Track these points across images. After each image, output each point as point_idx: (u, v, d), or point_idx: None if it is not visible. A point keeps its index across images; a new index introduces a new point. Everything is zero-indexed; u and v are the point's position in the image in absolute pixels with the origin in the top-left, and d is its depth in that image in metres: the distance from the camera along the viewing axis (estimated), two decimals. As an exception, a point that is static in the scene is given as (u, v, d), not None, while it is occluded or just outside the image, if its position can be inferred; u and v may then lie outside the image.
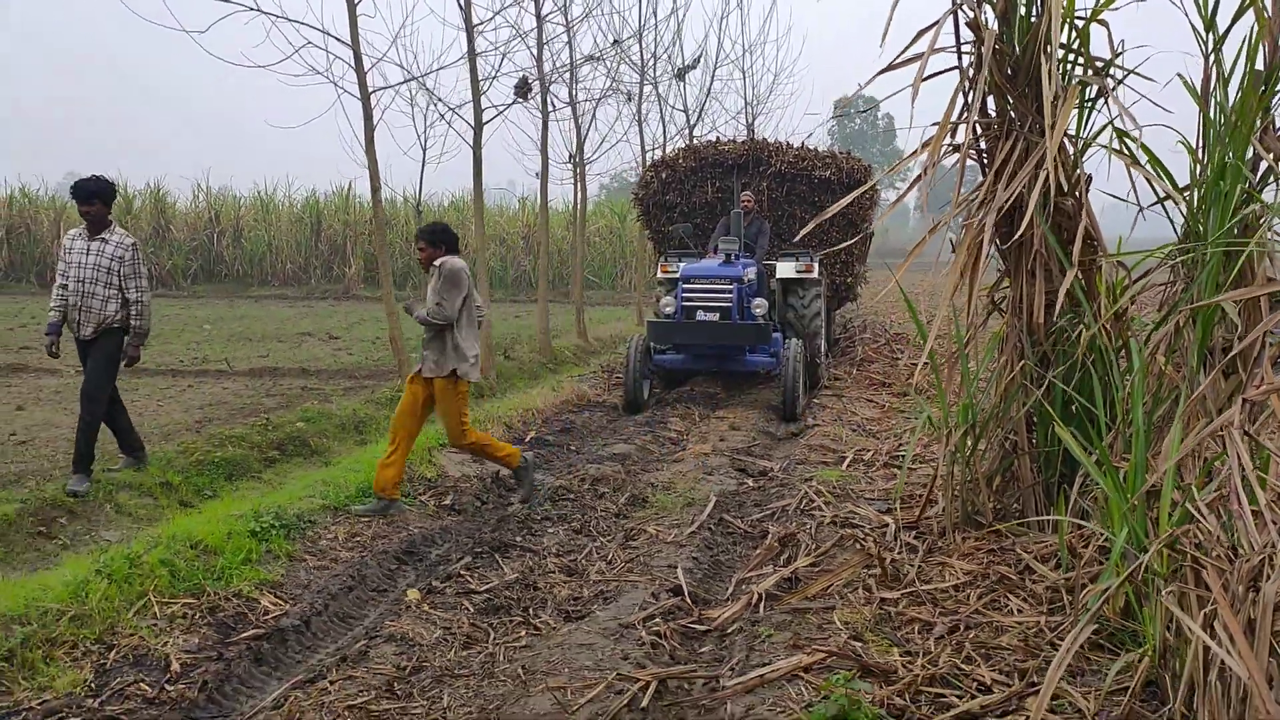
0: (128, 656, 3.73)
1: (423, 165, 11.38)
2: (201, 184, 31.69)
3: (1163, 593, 2.63)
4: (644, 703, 3.49)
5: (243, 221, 30.59)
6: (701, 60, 19.62)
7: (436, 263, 6.09)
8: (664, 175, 13.27)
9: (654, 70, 17.42)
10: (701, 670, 3.83)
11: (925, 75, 4.86)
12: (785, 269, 11.25)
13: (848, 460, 7.17)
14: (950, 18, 5.04)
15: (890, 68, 4.96)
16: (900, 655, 3.79)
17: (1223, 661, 2.06)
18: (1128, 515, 3.58)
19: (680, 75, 19.48)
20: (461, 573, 4.85)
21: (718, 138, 15.13)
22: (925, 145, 4.91)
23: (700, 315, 9.88)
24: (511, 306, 23.24)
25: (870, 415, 9.19)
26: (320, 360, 12.76)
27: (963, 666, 3.66)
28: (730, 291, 9.89)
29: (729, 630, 4.26)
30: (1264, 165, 4.64)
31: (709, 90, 19.77)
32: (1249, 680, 1.95)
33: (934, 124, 5.01)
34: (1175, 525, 2.79)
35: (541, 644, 4.04)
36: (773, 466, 7.34)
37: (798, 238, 10.57)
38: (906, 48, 4.94)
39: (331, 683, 3.60)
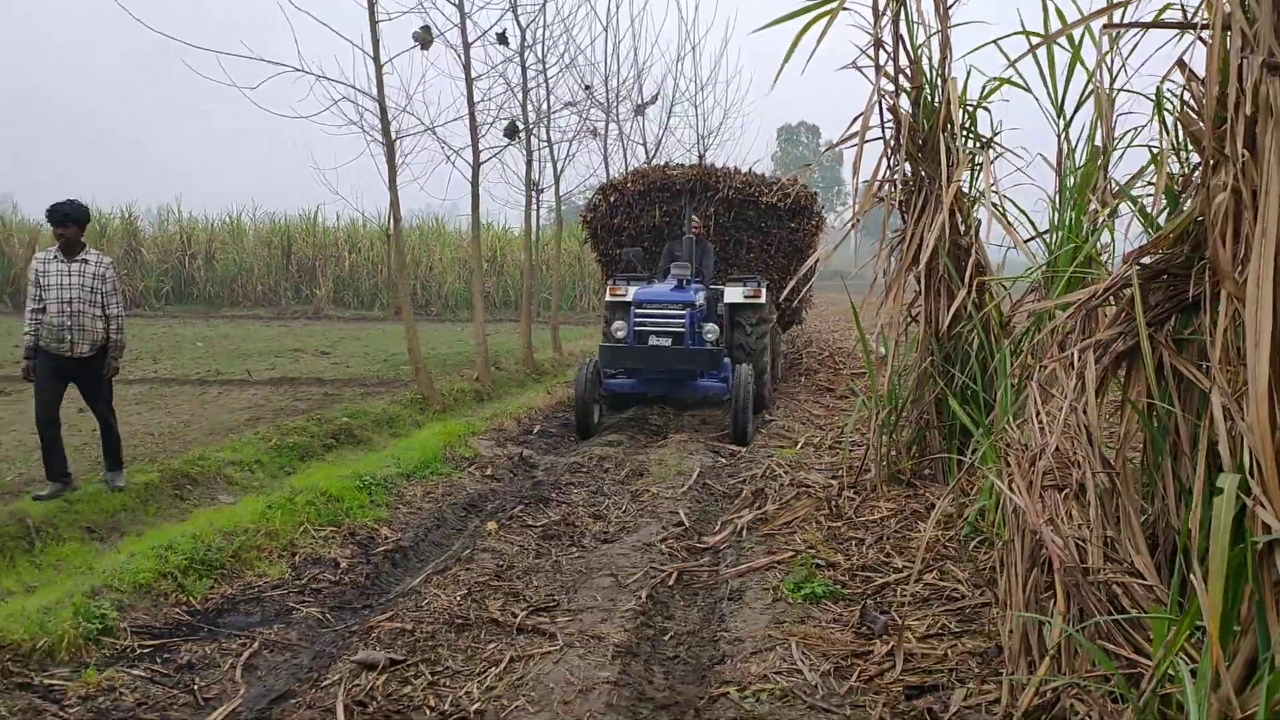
0: (308, 559, 5.32)
1: (391, 190, 11.89)
2: (172, 209, 32.92)
3: (987, 469, 4.38)
4: (670, 582, 5.17)
5: (214, 245, 31.80)
6: (659, 98, 21.43)
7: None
8: (612, 199, 13.05)
9: (618, 110, 19.17)
10: (706, 567, 5.51)
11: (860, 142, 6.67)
12: (733, 294, 11.15)
13: (800, 444, 8.89)
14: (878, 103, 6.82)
15: (835, 145, 6.77)
16: (842, 556, 5.49)
17: (1015, 504, 3.79)
18: (991, 454, 5.34)
19: (639, 110, 21.25)
20: (518, 514, 6.48)
21: (667, 161, 14.99)
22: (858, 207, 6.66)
23: (653, 340, 9.80)
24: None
25: (817, 413, 10.94)
26: (326, 371, 14.20)
27: (884, 559, 5.39)
28: (683, 316, 9.84)
29: (721, 549, 5.93)
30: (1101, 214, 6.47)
31: (666, 126, 21.58)
32: (1025, 508, 3.68)
33: (865, 181, 6.83)
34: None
35: (590, 555, 5.69)
36: (740, 449, 9.04)
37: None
38: (849, 128, 6.69)
39: (455, 574, 5.21)
